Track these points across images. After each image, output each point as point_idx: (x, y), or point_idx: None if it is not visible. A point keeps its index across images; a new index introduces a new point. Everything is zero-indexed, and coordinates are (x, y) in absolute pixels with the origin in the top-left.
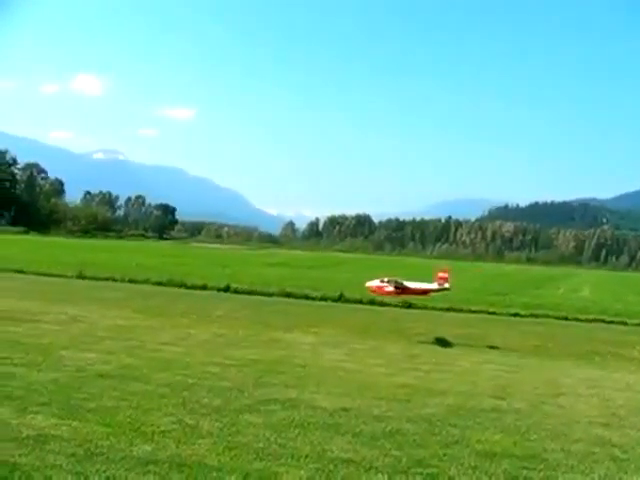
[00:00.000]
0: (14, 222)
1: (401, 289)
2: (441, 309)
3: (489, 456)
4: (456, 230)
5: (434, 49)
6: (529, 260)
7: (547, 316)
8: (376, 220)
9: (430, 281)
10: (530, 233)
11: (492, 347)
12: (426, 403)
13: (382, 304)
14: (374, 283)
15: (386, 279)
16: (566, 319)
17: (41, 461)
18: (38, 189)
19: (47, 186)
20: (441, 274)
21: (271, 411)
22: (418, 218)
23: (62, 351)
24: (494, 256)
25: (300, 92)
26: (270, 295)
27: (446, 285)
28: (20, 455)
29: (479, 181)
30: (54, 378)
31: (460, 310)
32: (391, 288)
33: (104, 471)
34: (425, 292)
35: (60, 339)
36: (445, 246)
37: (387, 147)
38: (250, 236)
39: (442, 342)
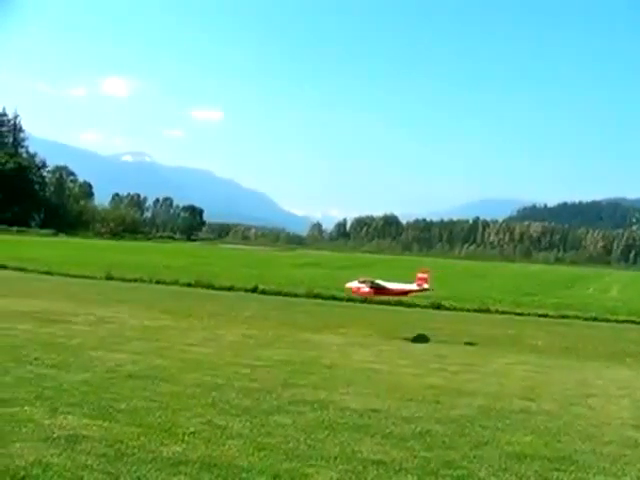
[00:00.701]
0: (44, 224)
1: (378, 290)
2: (469, 310)
3: (519, 458)
4: (484, 231)
5: (455, 47)
6: (557, 261)
7: (576, 317)
8: (404, 221)
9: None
10: (558, 233)
11: (521, 348)
12: (455, 404)
13: (409, 305)
14: (353, 284)
15: (362, 279)
16: (595, 320)
17: (72, 461)
18: (67, 192)
19: (76, 188)
20: (421, 275)
21: (300, 412)
22: (446, 219)
23: (92, 352)
24: (522, 257)
25: (327, 92)
26: (298, 296)
27: (425, 286)
28: (52, 455)
29: (507, 181)
30: (85, 379)
31: (487, 311)
32: (367, 289)
33: (135, 471)
34: (405, 293)
35: (90, 340)
36: (473, 247)
37: (415, 147)
38: (277, 237)
39: (422, 338)
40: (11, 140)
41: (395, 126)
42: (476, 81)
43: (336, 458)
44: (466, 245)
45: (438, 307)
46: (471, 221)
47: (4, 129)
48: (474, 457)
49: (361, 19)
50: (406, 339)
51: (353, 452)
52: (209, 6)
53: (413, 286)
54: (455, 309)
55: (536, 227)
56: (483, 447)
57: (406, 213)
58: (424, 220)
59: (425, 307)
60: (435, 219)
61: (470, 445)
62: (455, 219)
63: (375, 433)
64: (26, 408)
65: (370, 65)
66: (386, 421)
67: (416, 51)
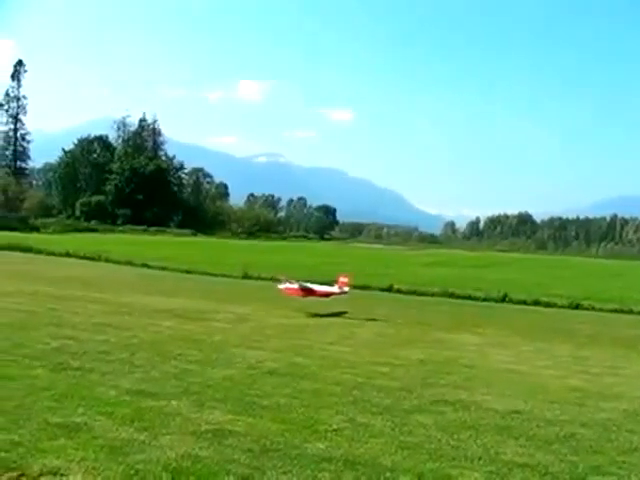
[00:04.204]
0: (181, 225)
1: (305, 291)
2: (608, 310)
3: None
4: (622, 229)
5: (585, 48)
6: None
7: None
8: (538, 219)
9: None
10: None
11: None
12: (600, 407)
13: (547, 305)
14: (282, 285)
15: (284, 278)
16: None
17: (220, 455)
18: (204, 193)
19: (212, 190)
20: (342, 279)
21: (441, 412)
22: (582, 216)
23: (233, 349)
24: None
25: (456, 91)
26: (432, 295)
27: (345, 289)
28: (200, 448)
29: None
30: (227, 375)
31: (630, 312)
32: (287, 286)
33: (280, 467)
34: (328, 295)
35: (230, 337)
36: (611, 245)
37: (550, 144)
38: (410, 236)
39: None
40: (151, 144)
41: (529, 123)
42: (610, 76)
43: (480, 459)
44: (603, 243)
45: (576, 307)
46: (608, 219)
47: (144, 134)
48: (623, 463)
49: (496, 19)
50: (545, 340)
51: (497, 454)
52: (339, 7)
53: (335, 289)
54: (594, 309)
55: None
56: (632, 453)
57: (541, 211)
58: (559, 218)
59: (562, 307)
60: (571, 217)
61: (618, 450)
62: (591, 217)
63: (519, 435)
64: (173, 402)
65: (500, 63)
66: (529, 423)
67: (543, 50)
